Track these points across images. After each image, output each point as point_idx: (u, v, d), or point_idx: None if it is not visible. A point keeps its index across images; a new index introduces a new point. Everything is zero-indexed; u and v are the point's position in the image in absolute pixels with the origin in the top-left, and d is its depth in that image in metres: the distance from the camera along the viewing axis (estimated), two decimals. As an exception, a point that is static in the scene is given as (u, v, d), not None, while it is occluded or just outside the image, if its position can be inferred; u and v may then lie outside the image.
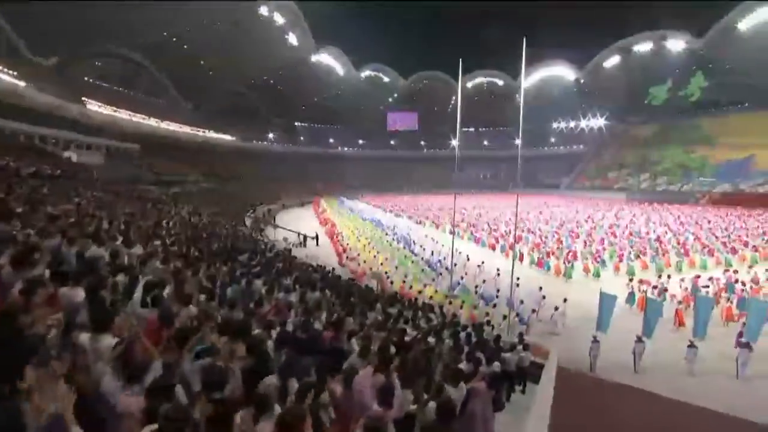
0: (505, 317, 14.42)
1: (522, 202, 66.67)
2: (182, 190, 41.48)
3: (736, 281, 18.15)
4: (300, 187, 77.98)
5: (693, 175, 73.11)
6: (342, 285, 13.42)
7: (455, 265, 22.32)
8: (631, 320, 14.60)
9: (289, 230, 33.41)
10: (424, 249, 27.21)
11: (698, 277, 19.15)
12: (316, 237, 32.44)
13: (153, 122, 63.72)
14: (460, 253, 25.80)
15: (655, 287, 17.81)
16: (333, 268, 18.94)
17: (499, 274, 20.11)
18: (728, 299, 16.12)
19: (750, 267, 21.91)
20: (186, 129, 72.01)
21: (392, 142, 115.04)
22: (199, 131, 75.60)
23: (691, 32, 71.19)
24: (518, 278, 19.08)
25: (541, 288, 17.70)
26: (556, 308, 15.30)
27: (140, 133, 57.84)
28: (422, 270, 21.32)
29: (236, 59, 68.37)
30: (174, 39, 60.64)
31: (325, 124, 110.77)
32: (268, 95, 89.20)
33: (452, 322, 10.72)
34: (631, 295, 17.52)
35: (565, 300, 15.92)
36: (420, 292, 16.93)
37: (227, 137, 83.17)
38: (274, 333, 5.06)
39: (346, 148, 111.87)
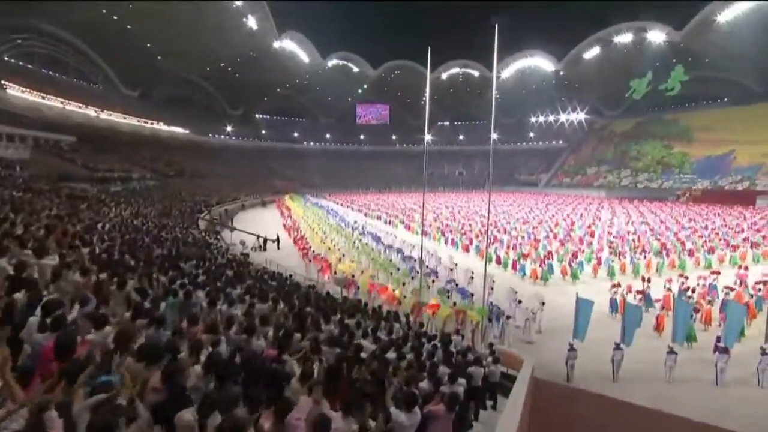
0: (477, 324, 14.40)
1: (498, 200, 67.86)
2: (125, 189, 39.84)
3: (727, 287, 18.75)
4: (261, 185, 76.73)
5: (673, 171, 76.10)
6: (301, 294, 13.09)
7: (427, 267, 22.36)
8: (612, 326, 14.87)
9: (248, 232, 32.69)
10: (393, 251, 27.14)
11: (686, 279, 19.69)
12: (278, 239, 31.92)
13: (91, 111, 60.87)
14: (431, 255, 25.95)
15: (639, 292, 18.22)
16: (291, 275, 18.54)
17: (472, 278, 20.18)
18: (709, 302, 16.60)
19: (740, 266, 22.76)
20: (131, 120, 69.34)
21: (361, 137, 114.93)
22: (145, 122, 72.89)
23: (671, 24, 73.97)
24: (493, 281, 19.28)
25: (516, 292, 17.83)
26: (533, 314, 15.43)
27: (74, 124, 54.63)
28: (391, 273, 21.19)
29: (188, 44, 66.12)
30: (114, 18, 57.78)
31: (288, 116, 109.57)
32: (226, 84, 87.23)
33: (417, 332, 10.56)
34: (613, 301, 17.68)
35: (542, 304, 16.08)
36: (393, 288, 16.82)
37: (179, 130, 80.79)
38: (205, 355, 4.73)
39: (311, 143, 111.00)
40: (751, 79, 72.57)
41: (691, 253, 26.29)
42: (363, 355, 6.86)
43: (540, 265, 23.55)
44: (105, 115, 63.85)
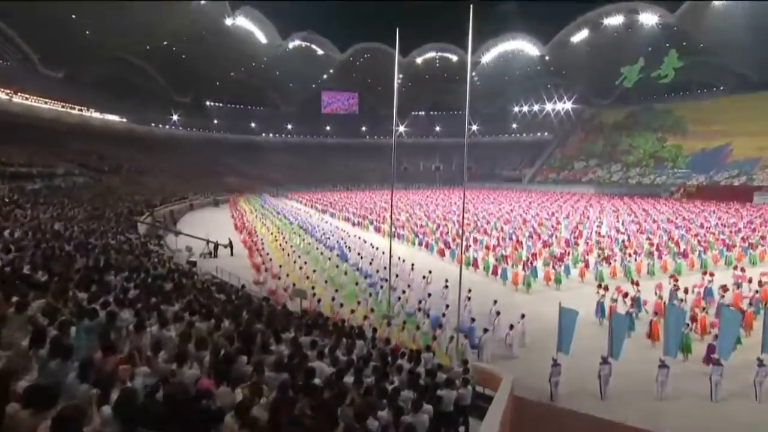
0: (452, 338, 14.41)
1: (477, 198, 68.58)
2: (45, 187, 38.17)
3: (724, 287, 19.38)
4: (213, 182, 75.49)
5: (666, 166, 78.64)
6: (253, 309, 12.78)
7: (396, 276, 22.27)
8: (599, 336, 15.04)
9: (197, 237, 32.01)
10: (361, 257, 27.00)
11: (677, 281, 20.25)
12: (230, 245, 31.39)
13: (0, 94, 58.20)
14: (403, 261, 25.89)
15: (626, 295, 18.59)
16: (243, 285, 18.18)
17: (447, 286, 20.22)
18: (704, 309, 17.07)
19: (735, 267, 23.47)
20: (53, 105, 66.47)
21: (327, 128, 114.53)
22: (72, 108, 70.03)
23: (664, 5, 76.11)
24: (470, 290, 19.33)
25: (495, 301, 17.94)
26: (512, 326, 15.52)
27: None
28: (356, 284, 21.03)
29: (122, 17, 63.33)
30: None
31: (244, 104, 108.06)
32: (170, 66, 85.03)
33: (383, 351, 10.43)
34: (600, 306, 18.10)
35: (522, 316, 16.20)
36: (353, 311, 16.61)
37: (114, 118, 78.35)
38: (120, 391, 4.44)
39: (270, 135, 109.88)
40: (748, 66, 75.16)
41: (684, 254, 27.09)
42: (316, 381, 6.66)
43: (523, 269, 23.87)
44: (19, 99, 60.60)
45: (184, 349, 6.06)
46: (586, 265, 25.20)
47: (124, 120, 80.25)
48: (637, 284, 19.77)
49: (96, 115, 74.89)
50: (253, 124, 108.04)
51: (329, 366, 7.98)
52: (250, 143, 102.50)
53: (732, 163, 70.59)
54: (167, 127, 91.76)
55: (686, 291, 19.02)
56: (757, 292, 18.74)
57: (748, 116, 71.85)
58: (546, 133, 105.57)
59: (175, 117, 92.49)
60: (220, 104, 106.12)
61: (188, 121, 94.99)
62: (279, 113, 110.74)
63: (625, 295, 18.60)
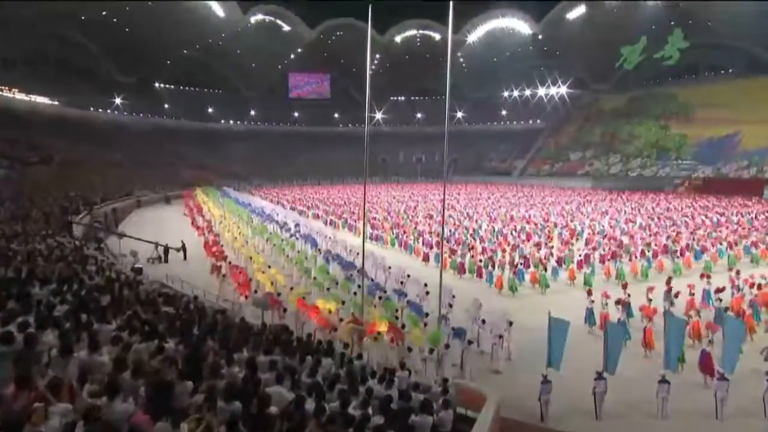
0: (432, 351, 14.42)
1: (463, 193, 69.03)
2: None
3: (721, 289, 20.00)
4: (165, 175, 74.51)
5: (670, 157, 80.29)
6: (205, 323, 12.56)
7: (372, 281, 22.28)
8: (593, 347, 15.24)
9: (144, 240, 31.51)
10: (332, 259, 26.95)
11: (669, 284, 20.74)
12: (184, 248, 31.02)
13: None
14: (377, 264, 25.93)
15: (618, 302, 18.91)
16: (196, 296, 17.88)
17: (428, 293, 20.30)
18: (698, 312, 17.64)
19: (730, 269, 24.15)
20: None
21: (295, 114, 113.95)
22: (-7, 89, 68.17)
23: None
24: (453, 296, 19.44)
25: (480, 306, 18.06)
26: (499, 337, 15.61)
27: None
28: (327, 289, 20.98)
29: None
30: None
31: (200, 86, 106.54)
32: (112, 42, 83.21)
33: (352, 371, 10.37)
34: (589, 312, 18.50)
35: (510, 324, 16.31)
36: (328, 309, 16.67)
37: (44, 101, 76.15)
38: None
39: (231, 121, 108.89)
40: (760, 47, 77.05)
41: (682, 252, 28.15)
42: (272, 409, 6.56)
43: (513, 272, 24.36)
44: None
45: (116, 378, 5.87)
46: (579, 265, 25.77)
47: (56, 103, 78.06)
48: (625, 287, 20.34)
49: (22, 96, 72.74)
50: (210, 110, 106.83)
51: (289, 391, 7.87)
52: (207, 131, 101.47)
53: (741, 153, 72.30)
54: (108, 111, 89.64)
55: (676, 295, 19.65)
56: (756, 295, 19.35)
57: (759, 101, 73.38)
58: (538, 121, 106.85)
59: (117, 100, 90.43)
60: (172, 86, 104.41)
61: (134, 105, 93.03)
62: (240, 97, 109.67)
63: (618, 301, 18.98)
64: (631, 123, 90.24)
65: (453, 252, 28.98)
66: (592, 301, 18.82)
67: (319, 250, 29.57)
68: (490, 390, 12.27)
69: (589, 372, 12.76)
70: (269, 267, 25.00)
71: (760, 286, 20.13)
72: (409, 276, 23.14)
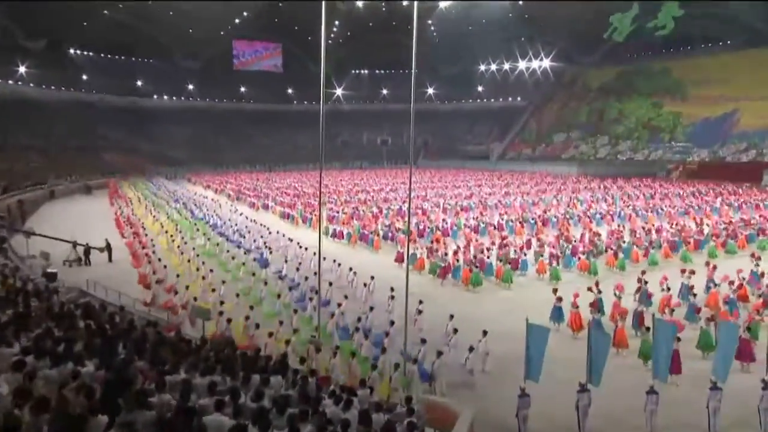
0: (397, 367, 14.47)
1: (434, 181, 69.36)
2: None
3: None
4: (84, 161, 73.24)
5: (662, 138, 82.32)
6: (133, 339, 12.33)
7: (330, 285, 22.20)
8: (576, 356, 15.49)
9: (59, 239, 30.74)
10: (286, 261, 26.83)
11: (645, 279, 21.72)
12: (108, 248, 30.35)
13: None
14: (339, 265, 25.84)
15: (593, 305, 19.60)
16: (123, 307, 17.55)
17: (393, 297, 20.36)
18: (672, 310, 18.54)
19: (707, 263, 25.13)
20: None
21: (243, 89, 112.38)
22: None
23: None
24: (421, 302, 19.53)
25: (452, 316, 18.18)
26: (471, 348, 15.73)
27: None
28: (278, 296, 20.81)
29: None
30: None
31: (125, 54, 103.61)
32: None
33: (304, 392, 10.33)
34: (557, 310, 19.34)
35: (484, 333, 16.48)
36: (271, 335, 16.39)
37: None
38: None
39: (165, 97, 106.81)
40: (761, 17, 78.61)
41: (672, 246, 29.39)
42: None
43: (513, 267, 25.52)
44: None
45: (14, 415, 5.67)
46: (557, 261, 26.75)
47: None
48: (597, 285, 21.21)
49: None
50: (139, 83, 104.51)
51: (231, 419, 7.79)
52: (136, 108, 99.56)
53: (739, 134, 74.67)
54: (11, 82, 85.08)
55: (649, 296, 20.47)
56: (734, 290, 20.36)
57: (759, 77, 75.67)
58: (518, 99, 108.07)
59: (22, 69, 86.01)
60: (91, 53, 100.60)
61: (43, 75, 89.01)
62: (176, 69, 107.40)
63: (591, 304, 19.63)
64: (620, 101, 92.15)
65: (431, 252, 28.90)
66: (560, 299, 19.60)
67: (270, 250, 29.30)
68: (463, 406, 12.41)
69: (571, 382, 12.95)
70: (211, 271, 24.65)
71: (740, 285, 21.03)
72: (373, 278, 23.09)
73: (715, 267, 23.69)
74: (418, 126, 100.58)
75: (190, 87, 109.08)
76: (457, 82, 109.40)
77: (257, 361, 12.78)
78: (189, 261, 26.85)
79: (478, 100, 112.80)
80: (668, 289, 20.70)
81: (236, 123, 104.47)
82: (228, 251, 29.95)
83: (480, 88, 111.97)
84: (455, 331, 16.95)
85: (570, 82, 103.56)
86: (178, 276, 24.24)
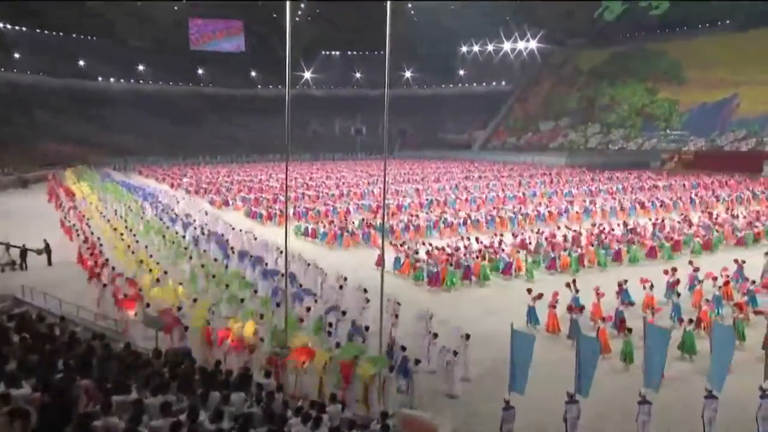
0: (372, 378, 14.46)
1: (411, 173, 69.40)
2: None
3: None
4: (18, 151, 71.96)
5: (657, 126, 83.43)
6: (76, 353, 12.17)
7: (300, 287, 22.12)
8: (563, 363, 15.66)
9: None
10: (248, 262, 26.68)
11: (624, 281, 22.17)
12: (47, 249, 29.92)
13: None
14: (308, 265, 25.80)
15: (571, 309, 19.93)
16: (63, 317, 17.27)
17: (368, 300, 20.36)
18: (653, 311, 19.11)
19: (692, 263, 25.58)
20: None
21: (200, 72, 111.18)
22: None
23: None
24: (398, 303, 19.58)
25: (431, 317, 18.24)
26: (455, 353, 15.79)
27: None
28: (241, 300, 20.65)
29: None
30: None
31: (65, 31, 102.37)
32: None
33: (269, 409, 10.28)
34: (532, 311, 20.04)
35: (466, 337, 16.55)
36: (242, 326, 16.44)
37: None
38: None
39: (111, 79, 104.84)
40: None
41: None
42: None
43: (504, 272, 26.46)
44: None
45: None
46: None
47: None
48: (574, 283, 21.70)
49: None
50: (82, 63, 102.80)
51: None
52: (78, 92, 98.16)
53: (739, 121, 75.93)
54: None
55: (628, 304, 20.70)
56: (720, 287, 21.22)
57: (760, 60, 76.79)
58: (503, 83, 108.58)
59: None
60: (24, 29, 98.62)
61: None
62: (126, 48, 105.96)
63: (569, 308, 19.95)
64: (612, 86, 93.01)
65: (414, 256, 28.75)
66: (540, 296, 20.35)
67: (233, 249, 29.18)
68: (443, 419, 12.48)
69: (559, 392, 13.08)
70: (165, 273, 24.35)
71: (726, 282, 21.84)
72: (346, 279, 23.13)
73: (697, 268, 24.16)
74: (395, 113, 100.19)
75: (141, 68, 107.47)
76: (437, 66, 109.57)
77: (217, 375, 12.67)
78: (142, 262, 26.41)
79: (460, 85, 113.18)
80: (651, 287, 21.20)
81: (194, 109, 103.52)
82: (186, 249, 29.64)
83: (462, 72, 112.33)
84: (435, 335, 17.03)
85: (559, 66, 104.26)
86: (133, 280, 23.82)
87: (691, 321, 17.59)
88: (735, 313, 18.43)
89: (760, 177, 59.90)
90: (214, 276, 24.35)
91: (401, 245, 30.29)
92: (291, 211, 42.05)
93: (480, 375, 16.34)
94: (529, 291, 20.81)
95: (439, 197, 48.57)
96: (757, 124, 73.25)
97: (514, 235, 32.99)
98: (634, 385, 13.96)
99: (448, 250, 28.65)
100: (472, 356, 16.58)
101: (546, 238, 30.93)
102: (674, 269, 23.16)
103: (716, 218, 36.10)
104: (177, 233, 34.70)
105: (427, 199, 47.41)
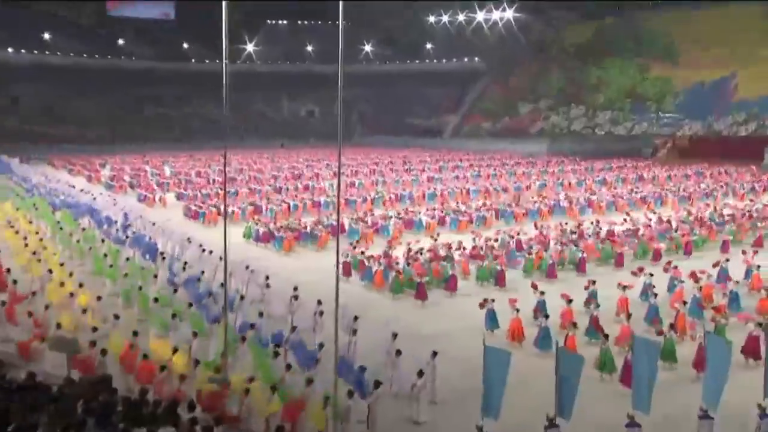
0: (327, 399, 14.42)
1: (369, 163, 69.44)
2: None
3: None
4: None
5: (649, 108, 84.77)
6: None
7: (242, 299, 21.93)
8: (541, 377, 15.93)
9: None
10: (184, 269, 26.48)
11: (592, 282, 23.08)
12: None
13: None
14: (252, 272, 25.68)
15: (537, 311, 20.86)
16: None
17: (321, 312, 20.29)
18: (629, 316, 19.73)
19: (670, 263, 26.55)
20: None
21: (120, 42, 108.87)
22: None
23: None
24: (356, 318, 19.54)
25: (395, 335, 18.23)
26: (420, 373, 15.80)
27: None
28: (173, 316, 20.39)
29: None
30: None
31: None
32: None
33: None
34: (491, 314, 20.84)
35: (434, 355, 16.61)
36: (163, 369, 16.10)
37: None
38: None
39: (9, 49, 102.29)
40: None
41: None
42: None
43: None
44: None
45: None
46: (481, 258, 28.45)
47: None
48: (537, 289, 22.53)
49: None
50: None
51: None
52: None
53: (738, 103, 77.62)
54: None
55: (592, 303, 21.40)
56: (700, 288, 22.13)
57: (761, 34, 78.57)
58: (476, 59, 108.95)
59: None
60: None
61: None
62: (28, 13, 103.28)
63: (536, 310, 20.82)
64: (599, 63, 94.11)
65: (389, 263, 28.47)
66: (493, 300, 21.07)
67: (163, 256, 28.83)
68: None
69: (538, 415, 13.20)
70: (81, 286, 23.82)
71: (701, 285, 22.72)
72: (296, 289, 22.98)
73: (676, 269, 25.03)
74: (353, 93, 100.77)
75: (47, 37, 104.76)
76: (401, 38, 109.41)
77: (142, 407, 12.47)
78: (50, 272, 25.86)
79: (427, 61, 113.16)
80: (624, 288, 21.97)
81: (114, 87, 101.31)
82: (106, 256, 28.94)
83: (429, 46, 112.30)
84: (398, 353, 17.02)
85: (539, 40, 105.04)
86: (34, 294, 23.02)
87: (672, 326, 18.33)
88: (717, 318, 19.07)
89: (762, 165, 61.48)
90: (140, 288, 23.99)
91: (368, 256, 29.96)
92: (233, 209, 41.92)
93: (450, 397, 16.36)
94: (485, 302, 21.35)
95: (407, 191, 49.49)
96: (757, 106, 74.68)
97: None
98: (621, 405, 14.08)
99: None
100: (443, 376, 16.64)
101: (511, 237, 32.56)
102: (640, 269, 24.58)
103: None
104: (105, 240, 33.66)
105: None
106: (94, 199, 46.95)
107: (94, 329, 18.57)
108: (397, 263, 28.08)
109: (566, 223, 36.48)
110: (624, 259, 29.43)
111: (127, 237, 33.02)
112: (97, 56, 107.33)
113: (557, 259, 28.67)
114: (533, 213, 41.41)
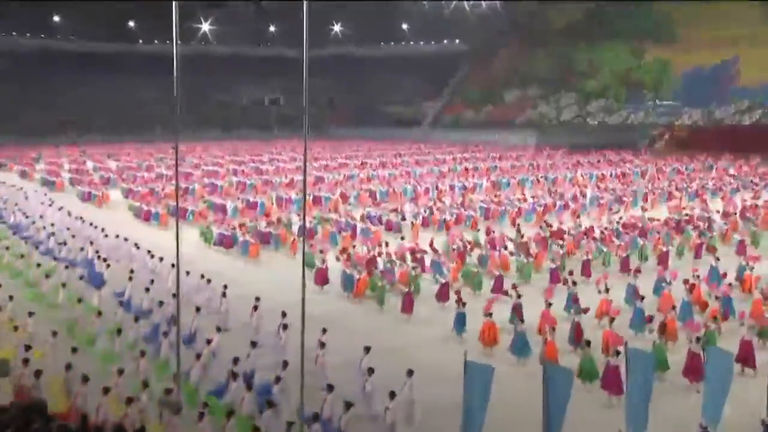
0: (290, 427, 14.37)
1: (339, 158, 69.46)
2: None
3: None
4: None
5: (645, 96, 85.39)
6: None
7: (198, 312, 21.77)
8: (526, 390, 16.02)
9: None
10: (131, 278, 26.17)
11: (574, 283, 23.61)
12: None
13: None
14: (208, 281, 25.69)
15: (516, 311, 21.17)
16: None
17: (285, 326, 20.19)
18: (612, 319, 19.87)
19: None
20: None
21: (55, 19, 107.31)
22: None
23: None
24: (325, 330, 19.52)
25: (368, 349, 18.19)
26: (393, 394, 15.77)
27: None
28: (119, 331, 20.23)
29: None
30: None
31: None
32: None
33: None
34: (460, 317, 21.62)
35: (410, 374, 16.59)
36: (107, 391, 15.93)
37: None
38: None
39: None
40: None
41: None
42: None
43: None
44: None
45: None
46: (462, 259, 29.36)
47: None
48: (514, 288, 23.38)
49: None
50: None
51: None
52: None
53: (741, 89, 78.47)
54: None
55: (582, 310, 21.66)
56: (689, 291, 22.64)
57: (764, 14, 79.67)
58: (457, 41, 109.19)
59: None
60: None
61: None
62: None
63: (516, 311, 21.24)
64: (591, 46, 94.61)
65: (369, 268, 28.47)
66: (464, 304, 21.84)
67: (108, 264, 28.58)
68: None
69: (522, 429, 13.32)
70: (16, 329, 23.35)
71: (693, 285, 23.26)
72: (258, 299, 22.85)
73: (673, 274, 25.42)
74: (322, 79, 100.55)
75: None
76: (376, 19, 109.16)
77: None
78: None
79: (404, 43, 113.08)
80: (607, 290, 22.30)
81: (48, 70, 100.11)
82: (39, 266, 28.83)
83: (405, 27, 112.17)
84: (371, 371, 16.97)
85: (526, 21, 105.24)
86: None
87: (663, 329, 18.84)
88: (708, 323, 19.43)
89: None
90: (80, 300, 23.72)
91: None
92: (192, 208, 41.95)
93: (428, 420, 16.33)
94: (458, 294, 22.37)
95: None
96: (762, 93, 75.27)
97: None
98: (613, 422, 14.10)
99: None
100: (415, 397, 16.63)
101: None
102: (637, 269, 25.16)
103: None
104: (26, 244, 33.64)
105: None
106: (27, 198, 46.29)
107: (27, 347, 18.22)
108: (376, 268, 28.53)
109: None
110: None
111: (63, 244, 32.02)
112: (28, 35, 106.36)
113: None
114: (529, 214, 42.31)
